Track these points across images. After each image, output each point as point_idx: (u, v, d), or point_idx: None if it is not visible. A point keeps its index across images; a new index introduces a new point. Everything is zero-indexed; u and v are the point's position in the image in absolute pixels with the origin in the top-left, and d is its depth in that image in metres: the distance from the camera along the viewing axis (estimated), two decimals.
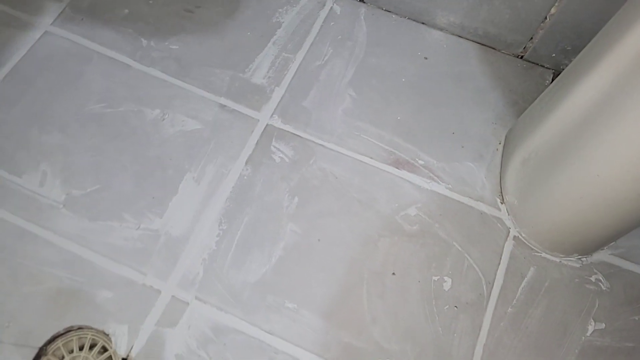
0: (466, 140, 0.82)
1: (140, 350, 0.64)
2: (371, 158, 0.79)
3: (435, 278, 0.71)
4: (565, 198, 0.66)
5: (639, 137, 0.54)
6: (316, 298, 0.69)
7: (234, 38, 0.88)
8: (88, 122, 0.78)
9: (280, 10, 0.91)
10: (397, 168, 0.79)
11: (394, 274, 0.71)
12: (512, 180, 0.75)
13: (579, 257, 0.74)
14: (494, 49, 0.91)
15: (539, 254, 0.74)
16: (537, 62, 0.90)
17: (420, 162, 0.80)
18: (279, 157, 0.79)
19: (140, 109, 0.80)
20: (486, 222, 0.76)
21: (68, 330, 0.64)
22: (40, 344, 0.63)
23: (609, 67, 0.57)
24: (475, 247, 0.74)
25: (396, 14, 0.93)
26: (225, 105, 0.82)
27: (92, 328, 0.65)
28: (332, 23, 0.91)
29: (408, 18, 0.93)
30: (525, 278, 0.72)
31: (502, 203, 0.77)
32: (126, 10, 0.89)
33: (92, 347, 0.64)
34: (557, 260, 0.74)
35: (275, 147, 0.79)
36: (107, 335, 0.65)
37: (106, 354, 0.64)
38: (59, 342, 0.64)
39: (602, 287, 0.72)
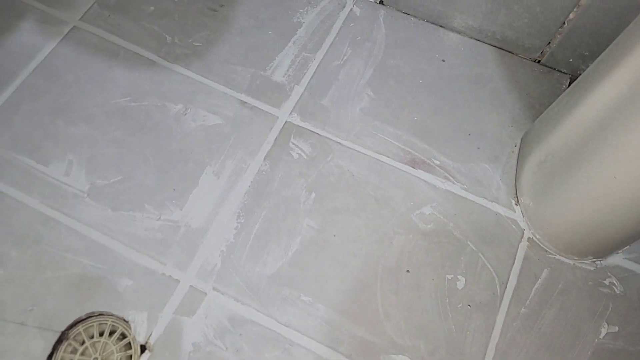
0: (482, 141, 0.82)
1: (159, 338, 0.65)
2: (388, 157, 0.80)
3: (449, 276, 0.71)
4: (581, 200, 0.66)
5: None
6: (331, 292, 0.70)
7: (255, 37, 0.89)
8: (113, 115, 0.80)
9: (301, 10, 0.92)
10: (413, 167, 0.79)
11: (408, 271, 0.71)
12: (528, 182, 0.75)
13: (593, 260, 0.74)
14: (511, 52, 0.91)
15: (553, 256, 0.74)
16: (555, 66, 0.90)
17: (436, 162, 0.80)
18: (297, 153, 0.79)
19: (163, 103, 0.82)
20: (501, 223, 0.76)
21: (89, 316, 0.66)
22: (63, 328, 0.64)
23: (627, 71, 0.57)
24: (490, 247, 0.74)
25: (415, 17, 0.94)
26: (245, 102, 0.83)
27: (112, 314, 0.66)
28: (351, 24, 0.92)
29: (426, 21, 0.93)
30: (539, 279, 0.72)
31: (516, 204, 0.77)
32: (152, 8, 0.90)
33: (111, 333, 0.65)
34: (571, 262, 0.73)
35: (293, 143, 0.80)
36: (127, 322, 0.66)
37: (125, 340, 0.65)
38: (80, 328, 0.65)
39: (616, 290, 0.72)
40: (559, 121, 0.69)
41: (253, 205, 0.75)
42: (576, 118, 0.65)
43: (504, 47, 0.92)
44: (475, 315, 0.69)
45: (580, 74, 0.81)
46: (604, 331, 0.69)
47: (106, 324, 0.66)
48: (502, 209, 0.77)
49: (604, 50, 0.65)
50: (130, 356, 0.64)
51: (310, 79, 0.86)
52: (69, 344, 0.64)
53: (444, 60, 0.90)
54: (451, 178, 0.79)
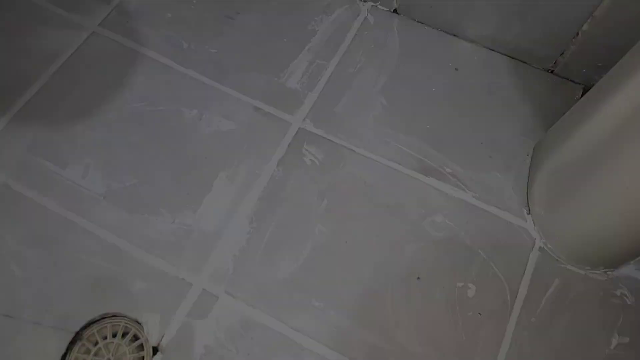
0: (494, 150, 0.83)
1: (171, 340, 0.67)
2: (400, 164, 0.81)
3: (460, 285, 0.72)
4: (593, 210, 0.66)
5: None
6: (342, 298, 0.71)
7: (270, 44, 0.91)
8: (130, 119, 0.82)
9: (315, 19, 0.94)
10: (425, 175, 0.80)
11: (419, 278, 0.72)
12: (540, 191, 0.76)
13: (605, 270, 0.74)
14: (524, 62, 0.92)
15: (564, 266, 0.74)
16: (568, 77, 0.90)
17: (448, 170, 0.81)
18: (310, 160, 0.81)
19: (179, 108, 0.83)
20: (512, 232, 0.76)
21: (103, 317, 0.67)
22: (77, 328, 0.66)
23: None
24: (501, 256, 0.74)
25: (428, 26, 0.95)
26: (260, 108, 0.84)
27: (125, 316, 0.67)
28: (365, 32, 0.93)
29: (440, 30, 0.94)
30: (550, 289, 0.72)
31: (528, 214, 0.77)
32: (169, 14, 0.93)
33: (124, 334, 0.67)
34: (583, 272, 0.73)
35: (306, 150, 0.81)
36: (140, 324, 0.67)
37: (138, 342, 0.66)
38: (94, 329, 0.66)
39: (628, 301, 0.72)
40: (571, 131, 0.70)
41: (266, 210, 0.76)
42: (589, 128, 0.66)
43: (518, 57, 0.93)
44: (485, 323, 0.70)
45: (593, 85, 0.81)
46: (615, 342, 0.69)
47: (119, 325, 0.67)
48: (513, 218, 0.77)
49: (618, 61, 0.66)
50: (143, 357, 0.65)
51: (324, 86, 0.87)
52: (83, 345, 0.65)
53: (457, 69, 0.91)
54: (463, 186, 0.80)
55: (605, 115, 0.63)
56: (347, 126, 0.84)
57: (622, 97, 0.60)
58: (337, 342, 0.68)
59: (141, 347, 0.66)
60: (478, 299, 0.71)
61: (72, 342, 0.65)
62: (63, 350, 0.65)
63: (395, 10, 0.96)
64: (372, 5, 0.95)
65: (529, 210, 0.78)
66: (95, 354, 0.65)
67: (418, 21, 0.95)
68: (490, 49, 0.93)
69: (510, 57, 0.93)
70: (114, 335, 0.66)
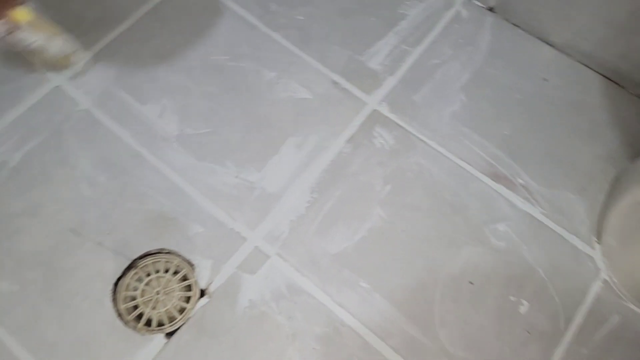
0: (572, 170, 0.80)
1: (219, 287, 0.69)
2: (470, 165, 0.79)
3: (513, 298, 0.70)
4: None
5: None
6: (390, 285, 0.71)
7: (358, 20, 0.90)
8: (210, 70, 0.84)
9: (407, 2, 0.93)
10: (494, 181, 0.78)
11: (471, 282, 0.71)
12: (616, 222, 0.73)
13: None
14: (619, 85, 0.88)
15: (627, 304, 0.71)
16: None
17: (520, 180, 0.79)
18: (380, 142, 0.80)
19: (258, 68, 0.85)
20: (577, 257, 0.73)
21: (159, 252, 0.70)
22: (134, 256, 0.69)
23: None
24: (561, 279, 0.72)
25: (523, 30, 0.92)
26: (337, 82, 0.84)
27: (180, 255, 0.70)
28: (456, 25, 0.91)
29: (535, 36, 0.91)
30: (607, 324, 0.69)
31: (597, 242, 0.74)
32: None
33: (176, 272, 0.69)
34: None
35: (377, 132, 0.81)
36: (192, 265, 0.69)
37: (187, 282, 0.69)
38: (149, 260, 0.69)
39: None
40: None
41: (329, 183, 0.77)
42: None
43: (613, 78, 0.89)
44: (532, 343, 0.68)
45: None
46: None
47: (172, 262, 0.70)
48: (580, 243, 0.75)
49: None
50: (189, 298, 0.68)
51: (406, 72, 0.86)
52: (137, 273, 0.68)
53: (546, 80, 0.88)
54: (533, 200, 0.77)
55: None
56: (422, 116, 0.83)
57: None
58: (378, 327, 0.68)
59: (189, 288, 0.69)
60: (530, 317, 0.69)
61: (128, 268, 0.68)
62: (119, 274, 0.68)
63: (491, 9, 0.94)
64: None
65: (599, 239, 0.75)
66: (147, 284, 0.68)
67: (513, 23, 0.93)
68: (584, 65, 0.89)
69: (604, 76, 0.89)
70: (166, 271, 0.69)
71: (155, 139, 0.77)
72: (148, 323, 0.66)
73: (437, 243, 0.73)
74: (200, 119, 0.79)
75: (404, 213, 0.75)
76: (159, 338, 0.65)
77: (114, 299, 0.66)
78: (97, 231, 0.70)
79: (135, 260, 0.69)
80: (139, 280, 0.68)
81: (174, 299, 0.67)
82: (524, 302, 0.70)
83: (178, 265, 0.69)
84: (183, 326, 0.66)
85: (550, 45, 0.90)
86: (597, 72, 0.88)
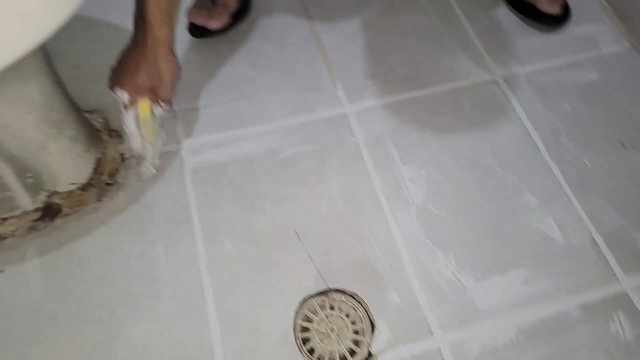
0: None
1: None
2: None
3: None
4: None
5: None
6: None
7: None
8: (476, 165, 0.85)
9: None
10: None
11: None
12: None
13: None
14: None
15: None
16: None
17: None
18: (616, 329, 0.70)
19: (522, 187, 0.83)
20: None
21: (352, 295, 0.72)
22: (331, 286, 0.73)
23: None
24: None
25: None
26: (597, 243, 0.77)
27: (367, 311, 0.71)
28: None
29: None
30: None
31: None
32: None
33: (354, 322, 0.71)
34: None
35: (618, 318, 0.71)
36: (373, 326, 0.70)
37: (359, 338, 0.69)
38: (341, 297, 0.72)
39: None
40: None
41: (540, 336, 0.69)
42: None
43: None
44: None
45: None
46: None
47: (357, 312, 0.72)
48: None
49: None
50: (355, 353, 0.69)
51: None
52: (324, 300, 0.72)
53: None
54: None
55: None
56: None
57: None
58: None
59: (358, 344, 0.69)
60: None
61: (321, 293, 0.72)
62: (311, 293, 0.73)
63: None
64: None
65: None
66: (326, 316, 0.71)
67: None
68: None
69: None
70: (347, 316, 0.71)
71: (399, 198, 0.82)
72: (311, 351, 0.69)
73: None
74: (446, 203, 0.81)
75: None
76: None
77: (297, 312, 0.71)
78: (314, 246, 0.77)
79: (330, 290, 0.73)
80: (322, 308, 0.72)
81: (342, 346, 0.69)
82: None
83: (361, 318, 0.71)
84: None
85: None
86: None
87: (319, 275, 0.74)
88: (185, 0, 0.84)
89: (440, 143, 0.88)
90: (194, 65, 0.94)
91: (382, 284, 0.74)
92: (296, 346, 0.68)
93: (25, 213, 0.75)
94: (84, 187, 0.76)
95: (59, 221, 0.76)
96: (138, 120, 0.74)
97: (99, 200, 0.77)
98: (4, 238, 0.75)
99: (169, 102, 0.75)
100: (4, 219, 0.75)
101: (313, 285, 0.74)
